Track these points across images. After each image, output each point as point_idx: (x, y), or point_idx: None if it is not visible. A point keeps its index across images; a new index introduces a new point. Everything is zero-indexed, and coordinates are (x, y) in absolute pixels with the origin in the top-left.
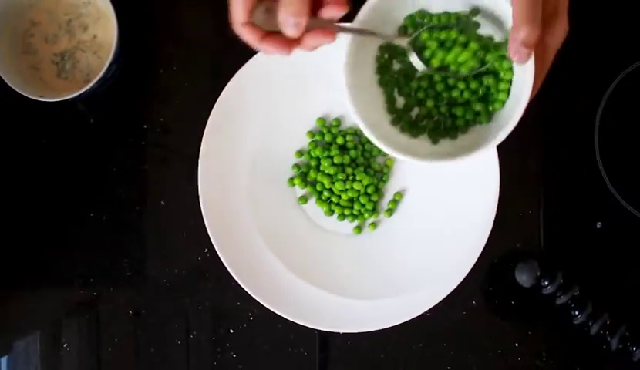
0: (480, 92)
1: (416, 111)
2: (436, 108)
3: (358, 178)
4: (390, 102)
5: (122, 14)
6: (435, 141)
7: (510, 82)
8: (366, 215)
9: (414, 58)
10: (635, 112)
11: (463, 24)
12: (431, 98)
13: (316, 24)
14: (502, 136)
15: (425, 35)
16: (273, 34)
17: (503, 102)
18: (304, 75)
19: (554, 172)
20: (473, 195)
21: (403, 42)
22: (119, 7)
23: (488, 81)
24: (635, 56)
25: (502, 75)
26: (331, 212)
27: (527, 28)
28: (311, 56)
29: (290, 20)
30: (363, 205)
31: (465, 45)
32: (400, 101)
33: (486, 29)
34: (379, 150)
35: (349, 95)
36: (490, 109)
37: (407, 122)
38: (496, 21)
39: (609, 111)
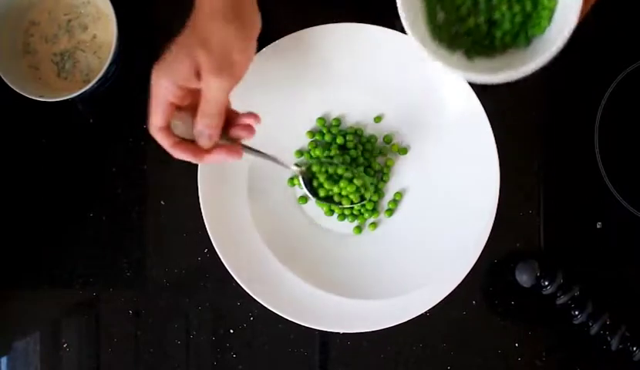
0: (520, 16)
1: (456, 27)
2: (477, 26)
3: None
4: (431, 15)
5: (122, 14)
6: (470, 58)
7: (552, 9)
8: (366, 215)
9: None
10: (635, 112)
11: None
12: (473, 15)
13: (225, 140)
14: (541, 60)
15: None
16: (185, 142)
17: (544, 28)
18: (304, 75)
19: (554, 172)
20: (473, 195)
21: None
22: (119, 7)
23: (529, 5)
24: (635, 56)
25: (545, 1)
26: (331, 212)
27: None
28: (311, 56)
29: (205, 131)
30: (363, 205)
31: None
32: (441, 16)
33: None
34: (380, 150)
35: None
36: (530, 33)
37: (446, 35)
38: None
39: (609, 111)
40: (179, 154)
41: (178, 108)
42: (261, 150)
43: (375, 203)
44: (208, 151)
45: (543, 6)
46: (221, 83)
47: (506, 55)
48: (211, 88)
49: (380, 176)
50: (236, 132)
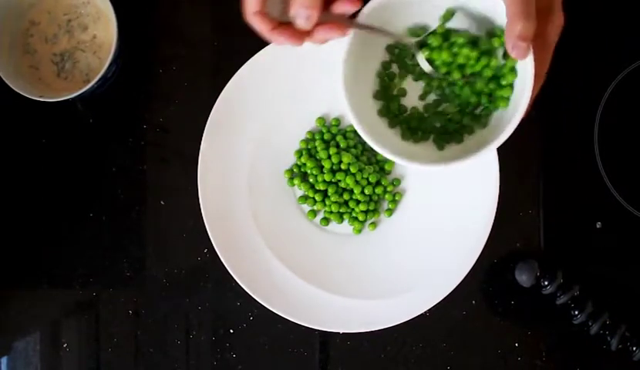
0: (484, 95)
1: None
2: (440, 114)
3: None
4: (384, 107)
5: (122, 14)
6: (441, 147)
7: (512, 85)
8: (368, 215)
9: (421, 59)
10: (635, 112)
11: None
12: (435, 103)
13: (327, 18)
14: (507, 133)
15: (432, 39)
16: (284, 25)
17: (508, 101)
18: (303, 75)
19: (554, 172)
20: (473, 195)
21: (411, 41)
22: (118, 7)
23: (490, 85)
24: (635, 56)
25: (504, 79)
26: (340, 218)
27: (522, 22)
28: (311, 56)
29: (302, 12)
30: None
31: (472, 47)
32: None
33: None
34: None
35: (346, 96)
36: (494, 110)
37: (407, 128)
38: (484, 21)
39: (609, 111)
40: (279, 39)
41: None
42: (364, 23)
43: (377, 202)
44: (309, 33)
45: (503, 83)
46: None
47: (473, 137)
48: None
49: (390, 179)
50: (339, 7)
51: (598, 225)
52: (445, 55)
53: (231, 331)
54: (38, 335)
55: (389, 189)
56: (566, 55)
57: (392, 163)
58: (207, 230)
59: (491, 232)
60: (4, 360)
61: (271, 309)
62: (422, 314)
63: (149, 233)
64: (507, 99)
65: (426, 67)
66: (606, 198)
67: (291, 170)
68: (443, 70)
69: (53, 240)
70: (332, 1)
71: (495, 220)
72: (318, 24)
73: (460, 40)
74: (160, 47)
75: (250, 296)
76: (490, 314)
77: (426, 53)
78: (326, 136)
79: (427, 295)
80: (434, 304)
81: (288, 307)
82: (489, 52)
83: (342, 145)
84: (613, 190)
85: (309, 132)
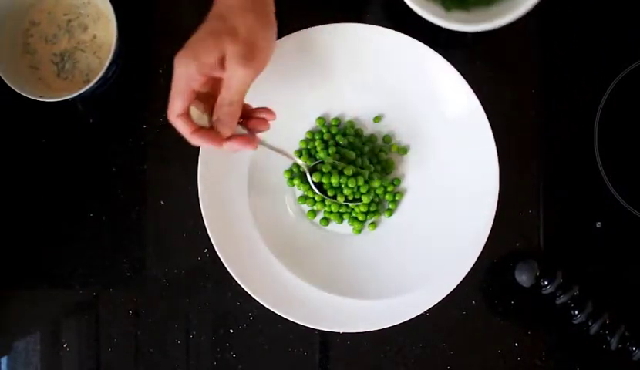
0: None
1: None
2: None
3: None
4: None
5: (122, 14)
6: (447, 8)
7: None
8: (368, 215)
9: None
10: (635, 112)
11: None
12: None
13: (242, 130)
14: (518, 13)
15: None
16: (203, 129)
17: None
18: (303, 75)
19: (554, 172)
20: (472, 195)
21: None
22: (118, 7)
23: None
24: (635, 56)
25: None
26: (340, 218)
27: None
28: (311, 56)
29: (226, 119)
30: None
31: None
32: None
33: None
34: (380, 149)
35: None
36: None
37: None
38: None
39: (609, 111)
40: (198, 141)
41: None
42: (273, 145)
43: (379, 203)
44: (226, 139)
45: None
46: (246, 72)
47: (480, 8)
48: (235, 76)
49: (390, 180)
50: (253, 123)
51: (598, 225)
52: None
53: (231, 331)
54: (38, 335)
55: (389, 189)
56: (566, 55)
57: (392, 163)
58: (207, 230)
59: (491, 232)
60: (4, 360)
61: (271, 309)
62: (422, 314)
63: (149, 233)
64: None
65: None
66: (606, 198)
67: (290, 170)
68: None
69: (53, 240)
70: (246, 119)
71: (495, 220)
72: (233, 135)
73: None
74: (160, 47)
75: (250, 296)
76: (490, 314)
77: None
78: (326, 136)
79: (427, 295)
80: (434, 304)
81: (288, 307)
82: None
83: (341, 146)
84: (613, 190)
85: (309, 132)
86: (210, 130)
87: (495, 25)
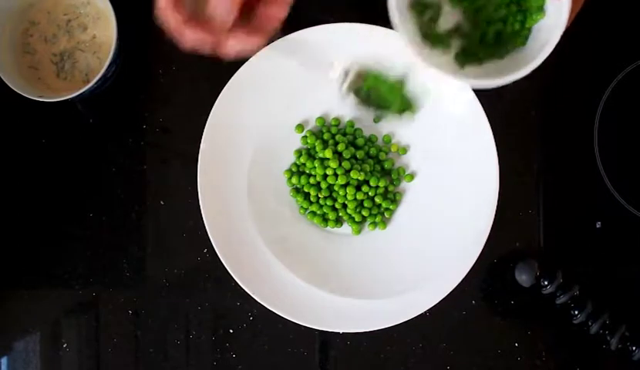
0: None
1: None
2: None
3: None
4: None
5: (122, 14)
6: (462, 65)
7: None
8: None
9: None
10: (635, 112)
11: None
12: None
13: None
14: (542, 56)
15: None
16: (199, 21)
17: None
18: (303, 75)
19: (554, 172)
20: (472, 195)
21: None
22: (118, 7)
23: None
24: (635, 56)
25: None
26: (339, 223)
27: None
28: (311, 56)
29: (221, 5)
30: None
31: None
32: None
33: None
34: (380, 149)
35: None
36: (525, 32)
37: (434, 35)
38: None
39: (609, 111)
40: (191, 35)
41: None
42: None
43: (380, 204)
44: (221, 39)
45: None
46: None
47: (492, 62)
48: None
49: (390, 180)
50: (264, 10)
51: (598, 225)
52: None
53: (231, 331)
54: (38, 335)
55: (389, 189)
56: (566, 55)
57: (392, 162)
58: (207, 230)
59: (491, 232)
60: (4, 360)
61: (270, 309)
62: (422, 314)
63: (149, 234)
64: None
65: None
66: (606, 198)
67: (290, 170)
68: None
69: (53, 240)
70: (255, 5)
71: (495, 220)
72: (236, 28)
73: None
74: (160, 47)
75: (250, 296)
76: (490, 314)
77: None
78: (326, 136)
79: (427, 295)
80: (434, 304)
81: (288, 307)
82: None
83: (340, 147)
84: (613, 189)
85: (309, 131)
86: (206, 23)
87: (507, 81)
